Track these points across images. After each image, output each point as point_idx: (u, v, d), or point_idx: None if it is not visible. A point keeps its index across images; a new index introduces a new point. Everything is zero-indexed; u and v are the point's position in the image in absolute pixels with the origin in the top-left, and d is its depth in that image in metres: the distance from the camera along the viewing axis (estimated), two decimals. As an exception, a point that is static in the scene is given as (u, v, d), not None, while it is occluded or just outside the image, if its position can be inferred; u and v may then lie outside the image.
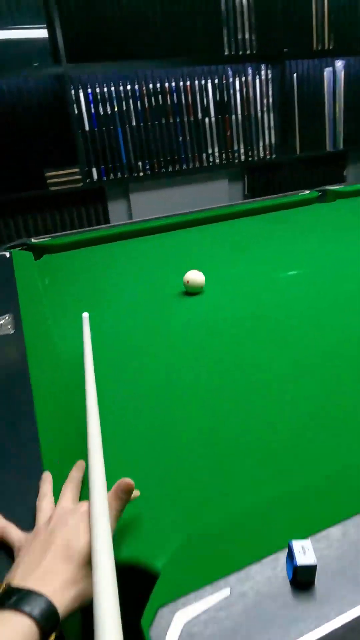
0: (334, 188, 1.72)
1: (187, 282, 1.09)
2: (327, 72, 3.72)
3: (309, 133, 3.82)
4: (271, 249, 1.46)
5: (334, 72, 3.75)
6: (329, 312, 1.04)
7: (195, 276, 1.11)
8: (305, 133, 3.81)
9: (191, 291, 1.09)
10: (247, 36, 3.37)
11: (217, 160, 3.63)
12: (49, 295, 1.25)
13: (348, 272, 1.22)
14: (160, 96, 3.33)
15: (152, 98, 3.31)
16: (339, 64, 3.74)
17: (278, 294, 1.15)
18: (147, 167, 3.46)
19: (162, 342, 0.98)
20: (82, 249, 1.53)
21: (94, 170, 3.33)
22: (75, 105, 3.13)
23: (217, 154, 3.62)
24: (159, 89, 3.30)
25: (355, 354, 0.84)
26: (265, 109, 3.64)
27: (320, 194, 1.71)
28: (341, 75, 3.77)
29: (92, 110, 3.19)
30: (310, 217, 1.60)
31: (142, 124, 3.35)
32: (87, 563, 0.47)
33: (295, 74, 3.63)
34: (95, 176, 3.35)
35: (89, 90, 3.14)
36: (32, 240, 1.48)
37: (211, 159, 3.61)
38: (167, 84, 3.32)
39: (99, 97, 3.19)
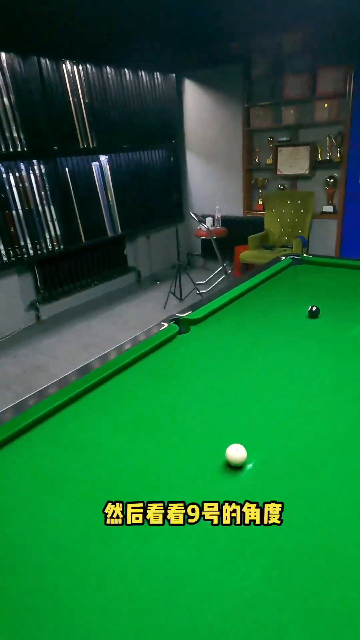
0: (184, 316, 1.83)
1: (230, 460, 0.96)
2: (95, 165, 3.94)
3: (90, 222, 3.93)
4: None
5: (100, 165, 3.99)
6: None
7: (232, 454, 0.97)
8: (86, 222, 3.90)
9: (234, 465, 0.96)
10: (15, 134, 3.24)
11: (5, 258, 3.33)
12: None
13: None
14: None
15: None
16: (104, 158, 4.01)
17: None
18: None
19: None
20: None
21: None
22: None
23: (3, 251, 3.32)
24: None
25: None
26: (44, 202, 3.57)
27: (176, 325, 1.77)
28: (107, 168, 4.05)
29: None
30: (181, 364, 1.43)
31: None
32: None
33: (67, 168, 3.69)
34: None
35: None
36: None
37: (-3, 258, 3.29)
38: None
39: None
